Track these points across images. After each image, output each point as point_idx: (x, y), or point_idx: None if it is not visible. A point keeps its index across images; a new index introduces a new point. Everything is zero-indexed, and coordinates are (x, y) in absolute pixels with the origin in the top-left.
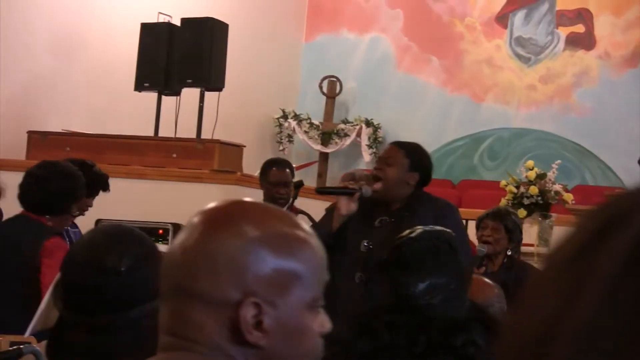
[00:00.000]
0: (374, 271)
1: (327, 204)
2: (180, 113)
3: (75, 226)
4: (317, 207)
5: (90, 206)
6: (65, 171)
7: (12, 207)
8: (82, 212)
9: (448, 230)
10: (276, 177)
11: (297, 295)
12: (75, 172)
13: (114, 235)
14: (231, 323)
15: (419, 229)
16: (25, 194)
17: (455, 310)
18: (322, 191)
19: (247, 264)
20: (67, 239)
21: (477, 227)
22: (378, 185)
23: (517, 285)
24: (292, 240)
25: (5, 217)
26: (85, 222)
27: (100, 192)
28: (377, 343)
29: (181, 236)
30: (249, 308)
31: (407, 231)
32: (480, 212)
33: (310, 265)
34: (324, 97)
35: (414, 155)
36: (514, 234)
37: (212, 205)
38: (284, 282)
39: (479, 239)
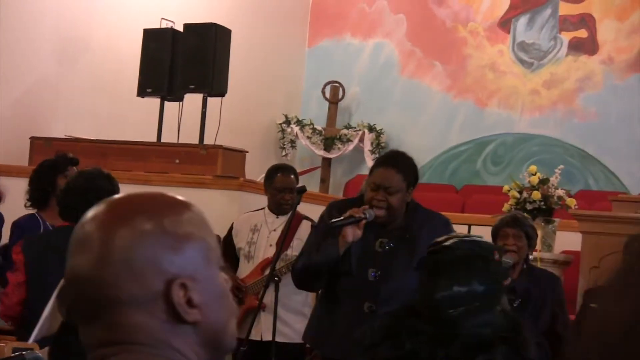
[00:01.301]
0: (383, 301)
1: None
2: (183, 119)
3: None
4: (319, 212)
5: None
6: (102, 175)
7: (12, 212)
8: None
9: (485, 240)
10: (281, 182)
11: (208, 263)
12: (106, 174)
13: None
14: (166, 313)
15: (455, 238)
16: (70, 207)
17: (479, 326)
18: (332, 226)
19: (160, 255)
20: None
21: (494, 237)
22: (381, 212)
23: (543, 296)
24: (184, 215)
25: (6, 222)
26: None
27: None
28: (398, 351)
29: (79, 250)
30: (178, 291)
31: (445, 237)
32: (484, 217)
33: (206, 231)
34: (327, 103)
35: (408, 174)
36: (533, 239)
37: (102, 206)
38: (195, 257)
39: (499, 250)
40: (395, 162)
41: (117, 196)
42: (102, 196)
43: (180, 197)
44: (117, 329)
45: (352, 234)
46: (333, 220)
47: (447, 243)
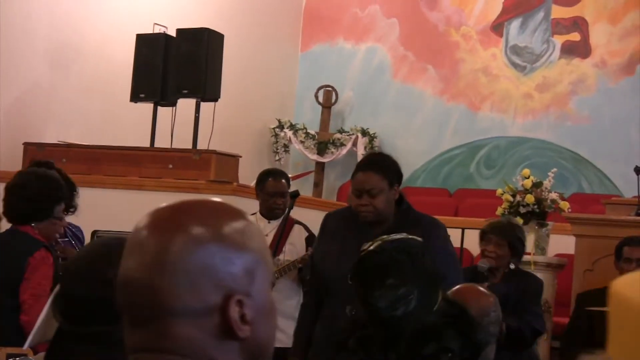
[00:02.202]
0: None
1: (324, 215)
2: (176, 123)
3: (80, 230)
4: (313, 217)
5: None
6: (39, 175)
7: None
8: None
9: (411, 237)
10: (272, 187)
11: (262, 277)
12: (50, 174)
13: (114, 247)
14: (217, 327)
15: (379, 241)
16: (7, 207)
17: (423, 318)
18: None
19: (219, 266)
20: (74, 241)
21: (481, 239)
22: (370, 216)
23: (520, 295)
24: (243, 228)
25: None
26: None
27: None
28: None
29: (134, 255)
30: (234, 307)
31: (369, 243)
32: (478, 220)
33: (262, 247)
34: (320, 107)
35: (388, 173)
36: (518, 249)
37: (156, 213)
38: (251, 270)
39: (482, 251)
40: (371, 163)
41: (176, 202)
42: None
43: (236, 207)
44: (163, 338)
45: None
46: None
47: (371, 247)
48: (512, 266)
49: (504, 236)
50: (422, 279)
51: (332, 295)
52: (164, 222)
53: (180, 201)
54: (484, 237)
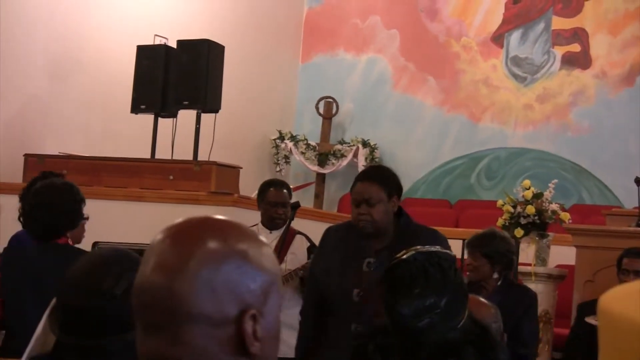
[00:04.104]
0: (368, 321)
1: (325, 226)
2: (177, 135)
3: None
4: (314, 228)
5: None
6: (59, 187)
7: (6, 229)
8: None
9: (443, 250)
10: (274, 197)
11: (274, 299)
12: (65, 182)
13: (110, 258)
14: (231, 340)
15: (412, 250)
16: (39, 226)
17: (446, 332)
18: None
19: (240, 281)
20: None
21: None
22: (368, 226)
23: (512, 309)
24: (263, 249)
25: (2, 238)
26: (82, 245)
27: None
28: None
29: (154, 260)
30: (249, 321)
31: (403, 252)
32: (478, 232)
33: (277, 270)
34: (321, 118)
35: (386, 184)
36: (495, 258)
37: (176, 225)
38: (266, 290)
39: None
40: (370, 174)
41: (195, 217)
42: (67, 209)
43: (263, 241)
44: (177, 346)
45: None
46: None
47: (404, 257)
48: (495, 275)
49: (478, 248)
50: (450, 293)
51: (336, 313)
52: (185, 233)
53: (200, 216)
54: (466, 249)
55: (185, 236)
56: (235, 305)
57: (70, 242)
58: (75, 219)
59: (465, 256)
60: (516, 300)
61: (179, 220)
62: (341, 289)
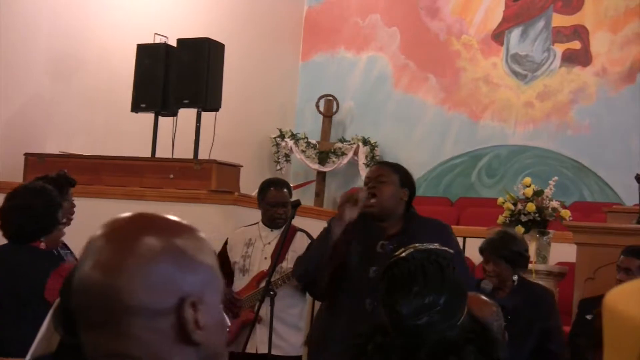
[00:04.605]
0: None
1: (324, 224)
2: (177, 133)
3: (66, 247)
4: (314, 226)
5: (72, 206)
6: (36, 190)
7: None
8: (69, 218)
9: (441, 248)
10: (274, 197)
11: (214, 291)
12: (43, 186)
13: None
14: (173, 329)
15: (410, 249)
16: (11, 229)
17: (445, 331)
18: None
19: (177, 273)
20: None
21: (481, 255)
22: (374, 201)
23: (530, 308)
24: (200, 243)
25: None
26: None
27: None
28: None
29: (92, 258)
30: (189, 309)
31: (401, 250)
32: (479, 229)
33: (214, 259)
34: (321, 117)
35: (401, 172)
36: (517, 261)
37: (113, 222)
38: (204, 282)
39: (483, 270)
40: (387, 162)
41: (131, 214)
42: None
43: (189, 224)
44: (121, 340)
45: (348, 213)
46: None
47: (402, 255)
48: (514, 277)
49: (499, 254)
50: (449, 291)
51: (351, 290)
52: (121, 230)
53: (136, 213)
54: (482, 254)
55: (121, 233)
56: (173, 295)
57: (43, 246)
58: (48, 224)
59: (481, 262)
60: (538, 300)
61: (117, 216)
62: (359, 265)
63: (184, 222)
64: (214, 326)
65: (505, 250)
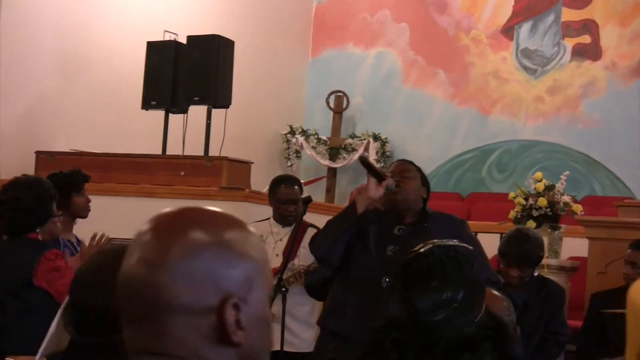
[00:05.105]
0: None
1: None
2: (188, 131)
3: (78, 242)
4: (325, 222)
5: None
6: (29, 183)
7: None
8: (86, 208)
9: (461, 244)
10: (284, 195)
11: (260, 287)
12: (34, 179)
13: (121, 254)
14: (213, 329)
15: (429, 244)
16: (6, 222)
17: (462, 327)
18: (363, 161)
19: (219, 269)
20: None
21: (501, 256)
22: (399, 189)
23: (543, 305)
24: (248, 237)
25: None
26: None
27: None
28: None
29: (137, 252)
30: (231, 310)
31: (419, 245)
32: (490, 224)
33: (262, 254)
34: (331, 113)
35: (421, 172)
36: (538, 261)
37: (159, 217)
38: (250, 277)
39: (504, 274)
40: (407, 160)
41: (178, 208)
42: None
43: (239, 217)
44: (160, 338)
45: (374, 188)
46: (363, 156)
47: (421, 250)
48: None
49: (521, 259)
50: (467, 287)
51: (367, 264)
52: (167, 225)
53: (183, 207)
54: (504, 257)
55: (166, 228)
56: (216, 294)
57: (40, 237)
58: (41, 216)
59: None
60: (548, 296)
61: (163, 211)
62: (376, 244)
63: (232, 215)
64: (256, 325)
65: (529, 256)
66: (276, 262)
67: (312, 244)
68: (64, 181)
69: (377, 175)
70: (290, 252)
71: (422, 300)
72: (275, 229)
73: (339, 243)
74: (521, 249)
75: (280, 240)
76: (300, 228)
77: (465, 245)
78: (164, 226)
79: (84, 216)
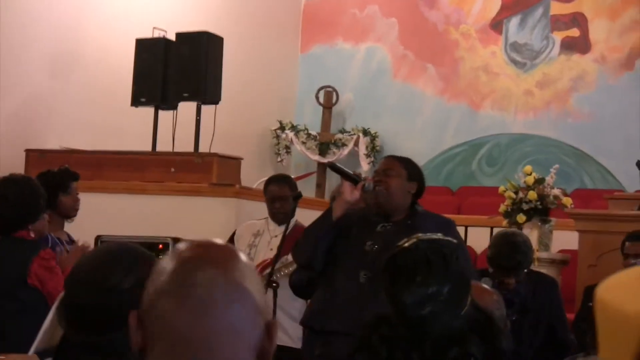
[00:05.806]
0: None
1: None
2: (178, 127)
3: (71, 240)
4: (315, 218)
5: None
6: (16, 181)
7: None
8: (74, 208)
9: (445, 238)
10: (270, 192)
11: None
12: (21, 177)
13: (117, 253)
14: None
15: (414, 239)
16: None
17: (450, 321)
18: (332, 167)
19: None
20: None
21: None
22: (381, 189)
23: (541, 305)
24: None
25: None
26: (85, 239)
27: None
28: (375, 358)
29: (228, 302)
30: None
31: (404, 240)
32: (481, 218)
33: None
34: (321, 108)
35: (409, 166)
36: (531, 262)
37: (214, 257)
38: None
39: (500, 282)
40: (396, 156)
41: (206, 240)
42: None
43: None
44: None
45: (349, 193)
46: (339, 165)
47: (406, 245)
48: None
49: (519, 269)
50: (453, 281)
51: (346, 264)
52: (232, 270)
53: (208, 241)
54: (495, 267)
55: (243, 272)
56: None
57: (32, 235)
58: (33, 213)
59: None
60: (545, 291)
61: (200, 250)
62: (355, 240)
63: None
64: None
65: (526, 264)
66: (270, 255)
67: (294, 251)
68: (51, 181)
69: (350, 178)
70: (280, 248)
71: (408, 294)
72: (271, 226)
73: (319, 248)
74: (513, 261)
75: (276, 236)
76: (296, 230)
77: (450, 239)
78: (229, 272)
79: (72, 216)
